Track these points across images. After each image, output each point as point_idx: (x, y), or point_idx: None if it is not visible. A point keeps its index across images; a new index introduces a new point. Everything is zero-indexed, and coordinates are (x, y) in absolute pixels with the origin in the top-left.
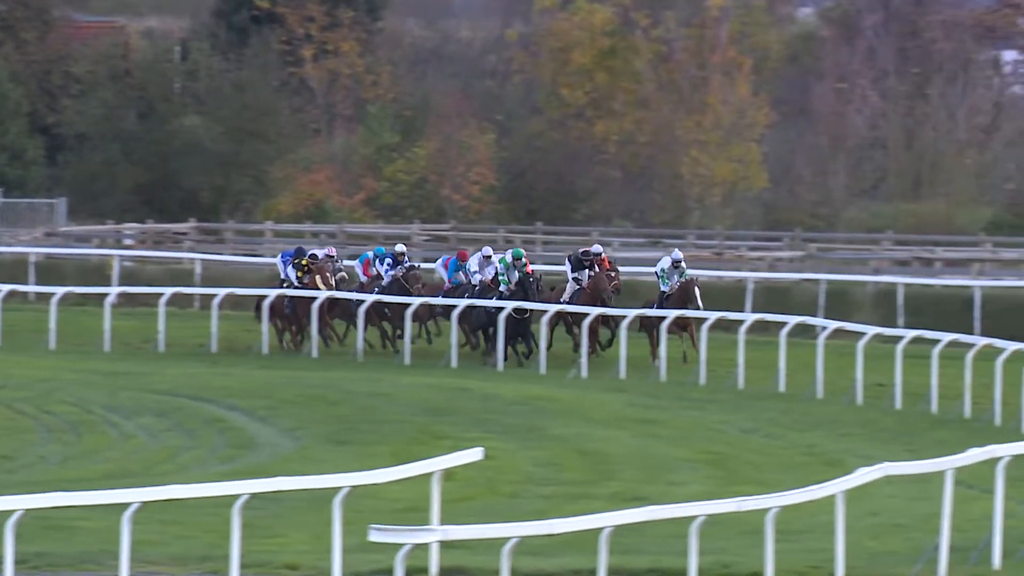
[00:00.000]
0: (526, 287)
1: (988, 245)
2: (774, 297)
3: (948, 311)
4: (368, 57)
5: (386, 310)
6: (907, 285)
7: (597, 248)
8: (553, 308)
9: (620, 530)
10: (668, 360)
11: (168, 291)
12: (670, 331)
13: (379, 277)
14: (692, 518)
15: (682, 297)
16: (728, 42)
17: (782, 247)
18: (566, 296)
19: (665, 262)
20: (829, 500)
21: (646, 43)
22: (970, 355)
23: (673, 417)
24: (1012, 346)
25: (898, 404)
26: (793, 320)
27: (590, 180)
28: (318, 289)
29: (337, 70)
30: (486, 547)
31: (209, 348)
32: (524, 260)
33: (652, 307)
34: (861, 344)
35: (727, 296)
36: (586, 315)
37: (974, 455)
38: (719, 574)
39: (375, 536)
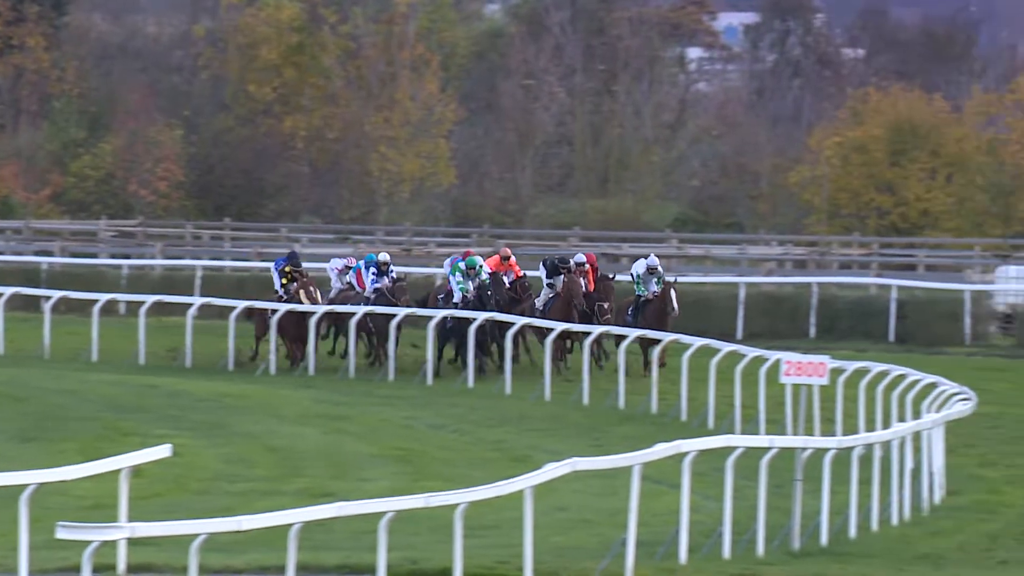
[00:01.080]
0: (484, 298)
1: (674, 241)
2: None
3: None
4: (54, 52)
5: (370, 323)
6: None
7: (580, 257)
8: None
9: (309, 526)
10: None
11: None
12: (643, 344)
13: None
14: (381, 514)
15: (661, 303)
16: (416, 38)
17: (471, 243)
18: (539, 303)
19: (640, 266)
20: (517, 496)
21: (334, 39)
22: (656, 350)
23: (362, 413)
24: (698, 342)
25: (586, 400)
26: (481, 316)
27: (279, 176)
28: (301, 301)
29: (22, 65)
30: (175, 544)
31: None
32: (479, 268)
33: (628, 311)
34: (548, 340)
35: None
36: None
37: (661, 450)
38: (408, 570)
39: (62, 533)
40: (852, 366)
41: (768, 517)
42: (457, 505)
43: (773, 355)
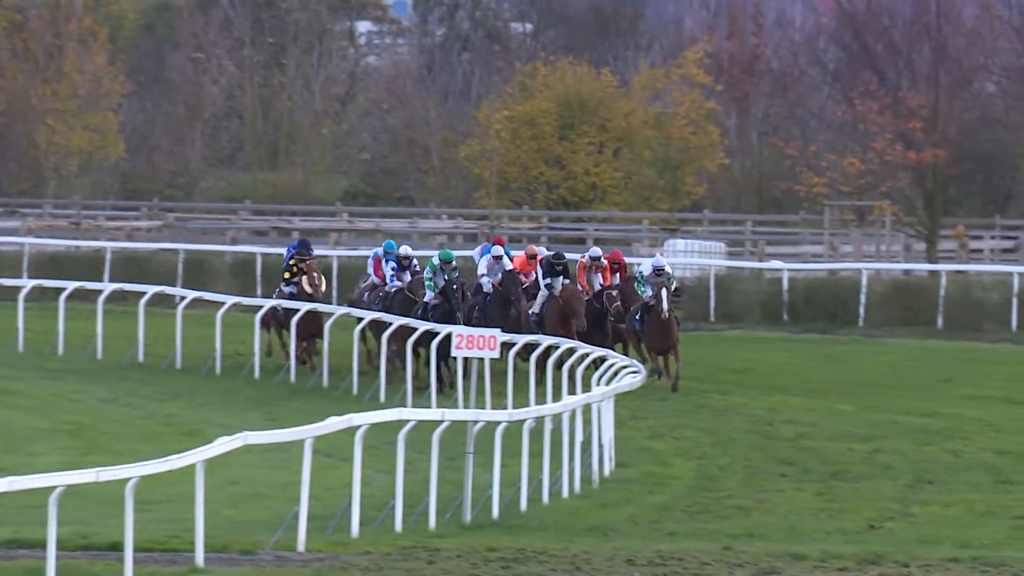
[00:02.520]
0: (450, 296)
1: (345, 215)
2: (132, 267)
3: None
4: None
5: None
6: (265, 254)
7: (595, 251)
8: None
9: None
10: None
11: None
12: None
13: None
14: (51, 489)
15: (658, 306)
16: (83, 11)
17: (140, 216)
18: (536, 307)
19: (646, 267)
20: (189, 470)
21: (0, 11)
22: (328, 324)
23: (31, 387)
24: (370, 315)
25: (257, 374)
26: (152, 290)
27: None
28: (303, 288)
29: None
30: None
31: None
32: (454, 263)
33: (636, 315)
34: (220, 313)
35: (85, 266)
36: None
37: (333, 424)
38: (79, 545)
39: None
40: (522, 339)
41: (440, 490)
42: (128, 479)
43: (444, 328)
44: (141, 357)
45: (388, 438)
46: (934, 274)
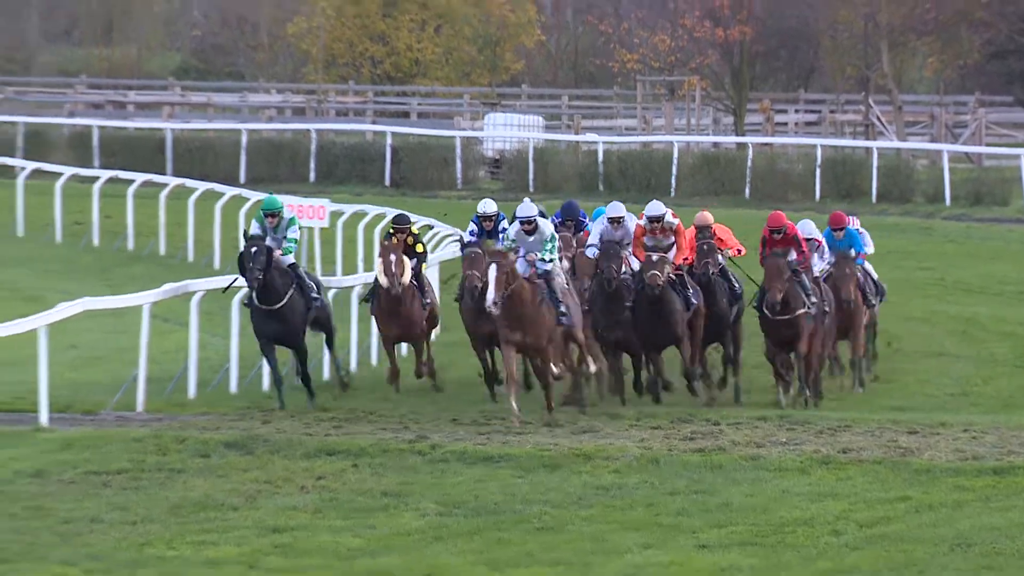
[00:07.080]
0: (244, 263)
1: (177, 89)
2: None
3: (141, 152)
4: None
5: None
6: (102, 127)
7: (654, 209)
8: None
9: None
10: None
11: None
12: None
13: None
14: None
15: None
16: None
17: None
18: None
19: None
20: (31, 334)
21: None
22: (164, 194)
23: None
24: (203, 186)
25: (96, 242)
26: None
27: None
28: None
29: None
30: None
31: None
32: (280, 217)
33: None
34: (59, 184)
35: None
36: None
37: (169, 290)
38: None
39: None
40: (351, 209)
41: None
42: None
43: None
44: None
45: (223, 304)
46: (742, 146)
